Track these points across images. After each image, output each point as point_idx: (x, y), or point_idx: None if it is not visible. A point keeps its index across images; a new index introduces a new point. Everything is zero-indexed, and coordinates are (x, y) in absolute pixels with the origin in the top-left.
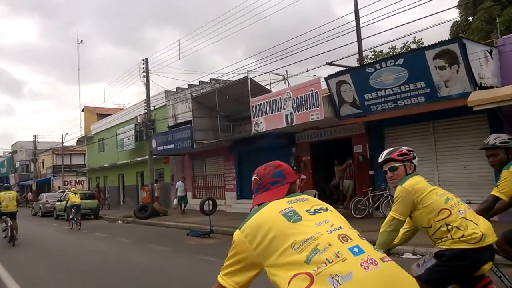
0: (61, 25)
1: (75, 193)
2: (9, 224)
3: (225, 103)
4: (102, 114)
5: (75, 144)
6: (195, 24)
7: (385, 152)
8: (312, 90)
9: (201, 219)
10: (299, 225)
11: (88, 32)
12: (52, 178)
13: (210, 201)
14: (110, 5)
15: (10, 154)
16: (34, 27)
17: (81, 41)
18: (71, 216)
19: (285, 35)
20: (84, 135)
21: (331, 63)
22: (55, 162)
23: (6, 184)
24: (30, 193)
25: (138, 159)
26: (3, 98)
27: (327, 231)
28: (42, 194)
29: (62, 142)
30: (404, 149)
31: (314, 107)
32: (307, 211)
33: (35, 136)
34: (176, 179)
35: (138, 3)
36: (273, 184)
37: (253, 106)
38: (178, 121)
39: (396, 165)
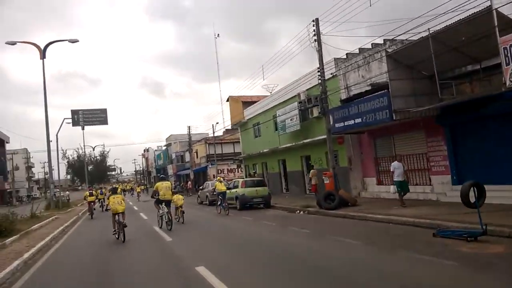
0: (192, 28)
1: (221, 182)
2: (165, 210)
3: (432, 57)
4: (247, 102)
5: (222, 134)
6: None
7: None
8: None
9: (419, 212)
10: None
11: (216, 31)
12: (209, 166)
13: (475, 187)
14: (233, 3)
15: (165, 147)
16: (170, 32)
17: (218, 35)
18: (218, 203)
19: None
20: (236, 122)
21: None
22: (208, 151)
23: (162, 175)
24: (189, 182)
25: (306, 141)
26: (150, 99)
27: None
28: (207, 182)
29: (213, 132)
30: None
31: None
32: None
33: (189, 127)
34: (354, 161)
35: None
36: None
37: (504, 49)
38: (352, 93)
39: None
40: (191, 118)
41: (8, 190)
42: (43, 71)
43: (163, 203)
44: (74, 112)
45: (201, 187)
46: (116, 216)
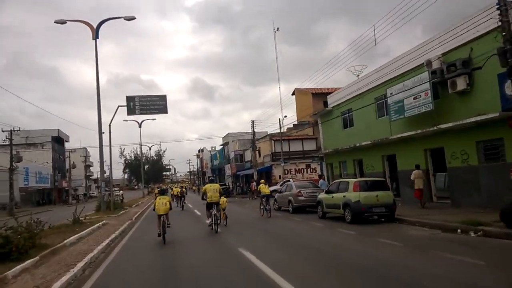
0: (240, 32)
1: (265, 184)
2: (213, 213)
3: None
4: (319, 93)
5: (286, 131)
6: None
7: None
8: None
9: None
10: None
11: (263, 36)
12: (282, 163)
13: None
14: (280, 9)
15: (222, 146)
16: (219, 38)
17: (277, 28)
18: (261, 206)
19: None
20: (314, 113)
21: None
22: (274, 149)
23: (211, 177)
24: (253, 183)
25: (444, 126)
26: (200, 103)
27: None
28: (289, 183)
29: (280, 127)
30: None
31: None
32: None
33: (253, 122)
34: None
35: (305, 2)
36: None
37: None
38: None
39: None
40: (241, 120)
41: (66, 188)
42: (95, 51)
43: (213, 207)
44: (129, 99)
45: (279, 189)
46: (161, 218)
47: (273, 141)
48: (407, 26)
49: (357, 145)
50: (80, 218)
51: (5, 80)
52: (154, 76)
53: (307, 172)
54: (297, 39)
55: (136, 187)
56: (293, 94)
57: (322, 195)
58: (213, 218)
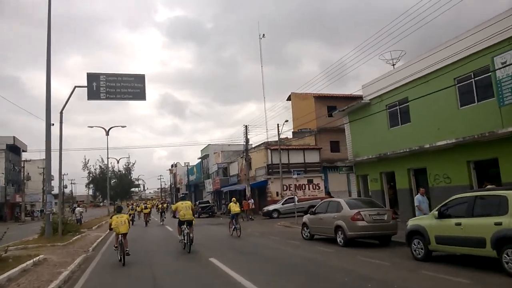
0: (211, 49)
1: (235, 203)
2: (185, 232)
3: None
4: (322, 97)
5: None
6: (337, 35)
7: None
8: None
9: None
10: None
11: (235, 54)
12: (295, 175)
13: None
14: (250, 27)
15: (200, 160)
16: (190, 54)
17: (263, 35)
18: (231, 226)
19: None
20: (343, 108)
21: None
22: (271, 160)
23: (182, 195)
24: (250, 201)
25: None
26: (170, 119)
27: None
28: (331, 200)
29: (278, 134)
30: None
31: None
32: None
33: (246, 126)
34: None
35: (277, 22)
36: None
37: None
38: None
39: None
40: (214, 137)
41: (21, 203)
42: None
43: (185, 224)
44: (92, 78)
45: (312, 209)
46: (119, 236)
47: (269, 151)
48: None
49: (416, 148)
50: (4, 251)
51: None
52: None
53: (309, 189)
54: (270, 59)
55: (102, 204)
56: (288, 99)
57: (425, 221)
58: (186, 237)
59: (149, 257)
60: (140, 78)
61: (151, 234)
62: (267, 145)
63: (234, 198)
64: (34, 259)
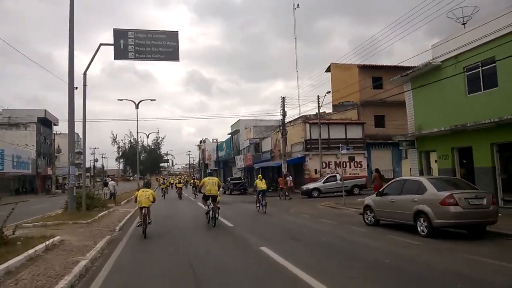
0: (239, 26)
1: (261, 180)
2: (210, 206)
3: None
4: (368, 67)
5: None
6: (369, 11)
7: None
8: None
9: None
10: None
11: (263, 31)
12: (343, 151)
13: None
14: (279, 3)
15: (230, 135)
16: (218, 31)
17: (298, 5)
18: (257, 204)
19: None
20: (409, 71)
21: None
22: (309, 135)
23: (210, 171)
24: (288, 178)
25: None
26: (197, 96)
27: None
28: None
29: (319, 106)
30: None
31: None
32: None
33: (283, 98)
34: None
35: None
36: None
37: None
38: None
39: None
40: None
41: (52, 176)
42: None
43: (210, 199)
44: (119, 35)
45: (382, 190)
46: (143, 210)
47: (307, 125)
48: None
49: (508, 117)
50: (13, 231)
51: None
52: (149, 67)
53: (350, 167)
54: (298, 36)
55: (132, 178)
56: (327, 71)
57: None
58: (210, 212)
59: (183, 234)
60: (173, 36)
61: (182, 211)
62: (305, 119)
63: (260, 175)
64: (47, 242)
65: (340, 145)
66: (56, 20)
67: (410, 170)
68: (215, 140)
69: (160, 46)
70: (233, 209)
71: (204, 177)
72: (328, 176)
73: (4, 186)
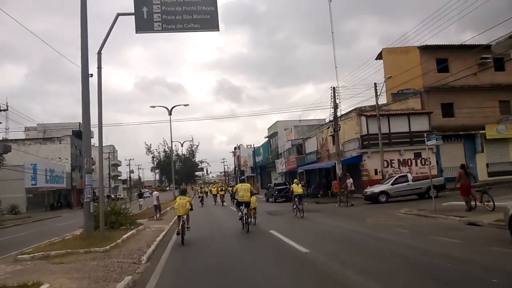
0: (266, 33)
1: (297, 184)
2: (244, 212)
3: None
4: (430, 47)
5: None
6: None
7: None
8: None
9: None
10: None
11: (289, 35)
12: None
13: None
14: (304, 7)
15: (267, 139)
16: (245, 38)
17: None
18: (294, 206)
19: None
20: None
21: None
22: (367, 129)
23: (242, 178)
24: (349, 180)
25: None
26: (227, 104)
27: None
28: None
29: (376, 95)
30: None
31: None
32: None
33: (334, 88)
34: None
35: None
36: None
37: None
38: None
39: None
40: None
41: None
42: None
43: (243, 205)
44: (141, 1)
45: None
46: (180, 218)
47: (364, 119)
48: None
49: None
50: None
51: (36, 85)
52: (180, 79)
53: (416, 164)
54: (326, 37)
55: (168, 188)
56: (378, 58)
57: None
58: (244, 218)
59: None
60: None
61: (221, 219)
62: (359, 112)
63: (296, 180)
64: None
65: (425, 135)
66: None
67: (487, 166)
68: (249, 146)
69: (194, 12)
70: (296, 225)
71: (243, 182)
72: (398, 176)
73: (38, 201)
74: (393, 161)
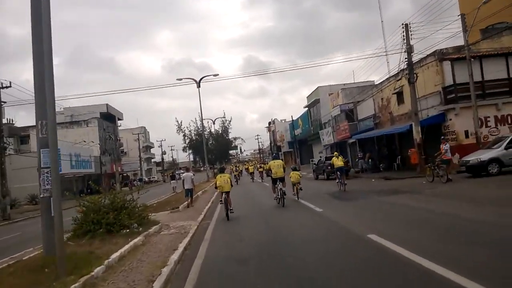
0: (290, 3)
1: (337, 157)
2: (279, 187)
3: None
4: None
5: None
6: None
7: None
8: None
9: None
10: None
11: (315, 4)
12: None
13: None
14: None
15: (307, 108)
16: (270, 11)
17: None
18: (337, 180)
19: None
20: None
21: None
22: (452, 79)
23: (275, 154)
24: (444, 146)
25: None
26: (256, 81)
27: None
28: None
29: (464, 31)
30: None
31: None
32: None
33: (406, 25)
34: None
35: None
36: None
37: None
38: None
39: None
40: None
41: (121, 173)
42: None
43: (278, 181)
44: None
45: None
46: (223, 194)
47: (449, 63)
48: None
49: None
50: None
51: (66, 73)
52: (206, 58)
53: None
54: (352, 5)
55: (202, 168)
56: None
57: None
58: (279, 192)
59: None
60: None
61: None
62: (441, 56)
63: (336, 152)
64: None
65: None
66: (117, 26)
67: None
68: (283, 121)
69: None
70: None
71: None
72: (502, 136)
73: (65, 188)
74: (488, 119)
